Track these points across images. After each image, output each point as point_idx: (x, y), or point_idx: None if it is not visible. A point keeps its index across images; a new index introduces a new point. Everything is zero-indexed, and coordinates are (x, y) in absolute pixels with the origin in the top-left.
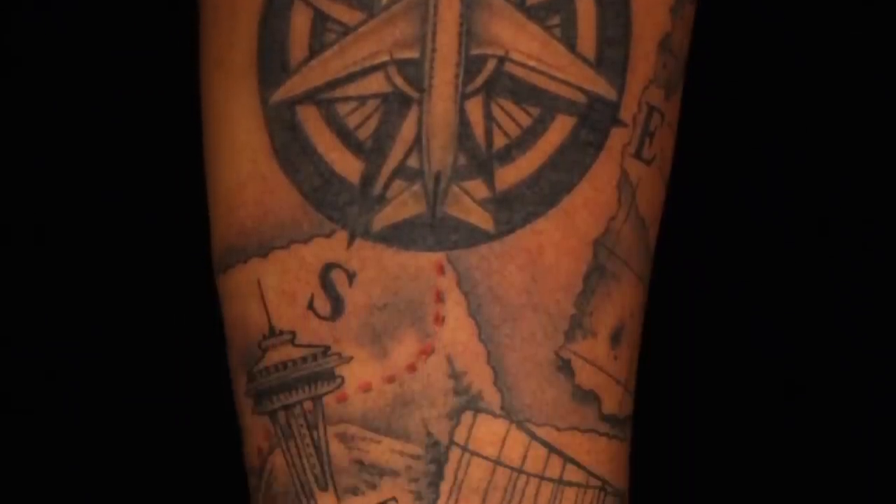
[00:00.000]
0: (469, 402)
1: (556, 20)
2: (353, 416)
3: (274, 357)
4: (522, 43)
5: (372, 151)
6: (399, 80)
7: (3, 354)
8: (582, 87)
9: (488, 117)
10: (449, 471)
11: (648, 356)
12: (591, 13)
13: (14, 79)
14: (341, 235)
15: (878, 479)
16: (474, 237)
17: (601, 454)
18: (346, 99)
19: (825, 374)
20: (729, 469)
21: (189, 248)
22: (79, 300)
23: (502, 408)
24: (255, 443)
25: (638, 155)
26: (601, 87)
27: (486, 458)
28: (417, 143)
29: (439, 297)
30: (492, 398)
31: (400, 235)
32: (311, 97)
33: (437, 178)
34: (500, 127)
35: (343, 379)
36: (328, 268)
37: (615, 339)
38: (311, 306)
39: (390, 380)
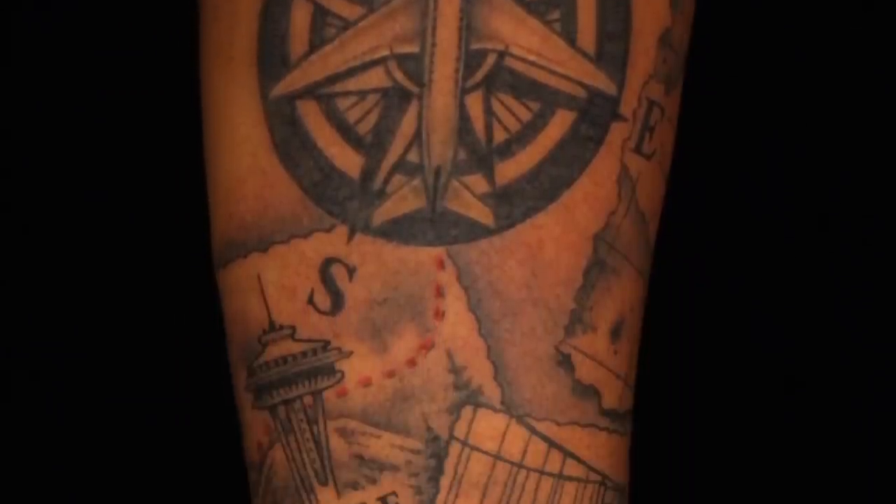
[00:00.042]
0: (469, 397)
1: (556, 15)
2: (353, 411)
3: (274, 352)
4: (522, 37)
5: (372, 146)
6: (399, 75)
7: (2, 351)
8: (582, 82)
9: (488, 112)
10: (449, 465)
11: (648, 351)
12: (591, 8)
13: (14, 70)
14: (341, 230)
15: (877, 476)
16: (474, 232)
17: (601, 449)
18: (346, 93)
19: (825, 368)
20: (729, 464)
21: (189, 242)
22: (78, 295)
23: (502, 402)
24: (255, 437)
25: (638, 150)
26: (601, 81)
27: (486, 452)
28: (417, 137)
29: (439, 292)
30: (492, 393)
31: (400, 230)
32: (311, 92)
33: (437, 173)
34: (500, 121)
35: (343, 374)
36: (328, 262)
37: (615, 333)
38: (311, 301)
39: (390, 374)
